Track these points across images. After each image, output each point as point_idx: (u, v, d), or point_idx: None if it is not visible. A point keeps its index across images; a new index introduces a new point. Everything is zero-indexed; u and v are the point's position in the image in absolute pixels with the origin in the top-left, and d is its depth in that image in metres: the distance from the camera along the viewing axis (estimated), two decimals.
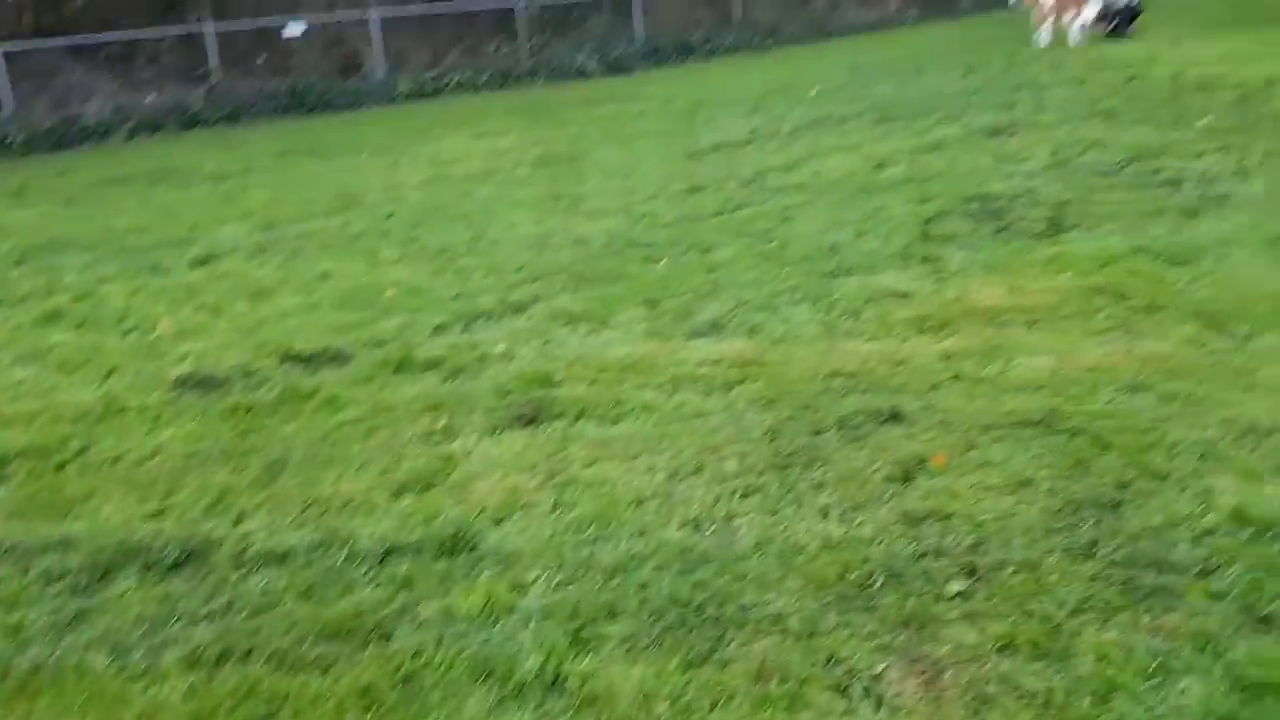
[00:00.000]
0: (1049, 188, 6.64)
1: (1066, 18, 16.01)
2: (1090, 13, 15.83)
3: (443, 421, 3.84)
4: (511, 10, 21.86)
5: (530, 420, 3.79)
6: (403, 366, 4.48)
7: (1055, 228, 5.69)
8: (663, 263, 5.95)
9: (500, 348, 4.64)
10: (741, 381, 3.96)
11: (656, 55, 22.87)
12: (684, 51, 23.31)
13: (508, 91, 19.85)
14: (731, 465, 3.26)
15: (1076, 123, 8.87)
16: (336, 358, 4.70)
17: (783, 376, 3.96)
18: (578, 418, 3.79)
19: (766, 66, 19.51)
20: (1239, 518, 2.62)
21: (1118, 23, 16.02)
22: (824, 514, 2.92)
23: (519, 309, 5.27)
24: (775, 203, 7.26)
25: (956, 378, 3.74)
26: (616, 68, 21.95)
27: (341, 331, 5.10)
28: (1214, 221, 5.43)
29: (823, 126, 10.60)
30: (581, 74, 21.40)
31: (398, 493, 3.33)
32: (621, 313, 5.06)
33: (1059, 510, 2.80)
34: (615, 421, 3.73)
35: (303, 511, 3.28)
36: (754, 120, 11.78)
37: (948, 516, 2.82)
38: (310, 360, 4.70)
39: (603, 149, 10.99)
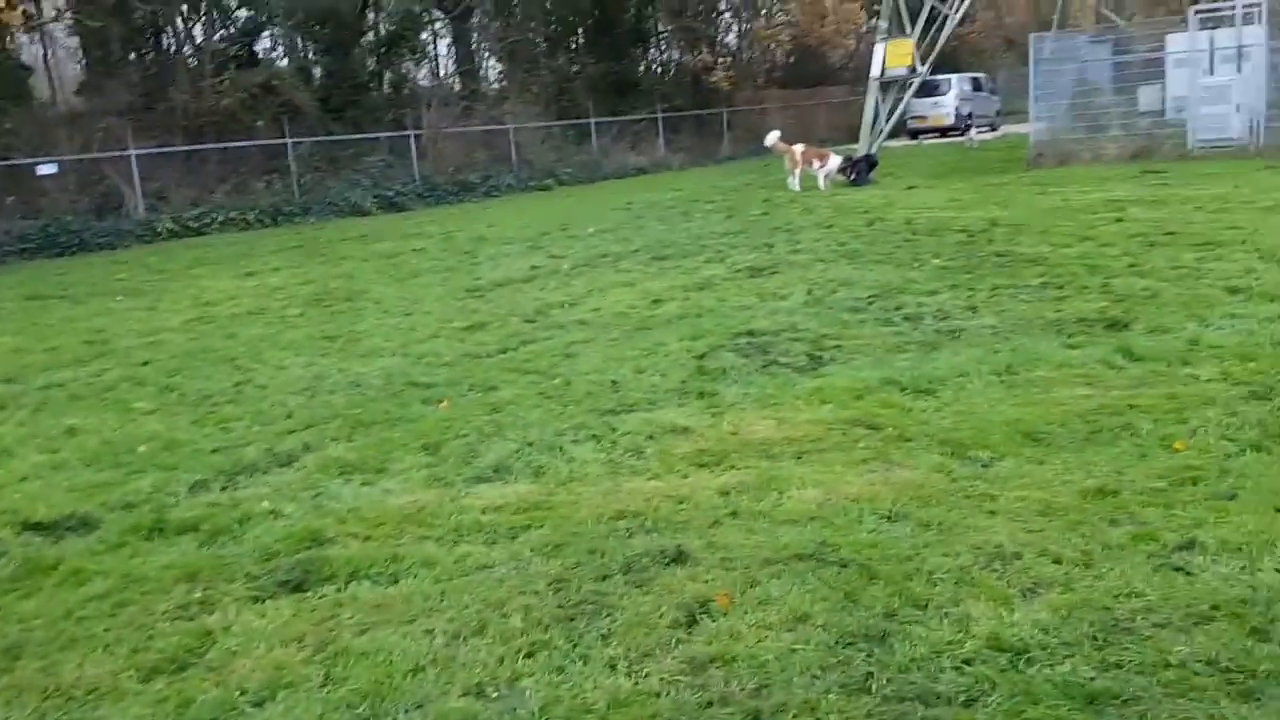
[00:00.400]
0: (808, 324, 7.09)
1: (814, 166, 17.58)
2: (834, 163, 17.53)
3: (199, 592, 3.55)
4: (284, 146, 21.54)
5: (298, 585, 3.56)
6: (155, 531, 4.14)
7: (816, 361, 6.06)
8: (444, 404, 5.87)
9: (265, 505, 4.38)
10: (527, 527, 3.91)
11: (434, 193, 23.10)
12: (462, 190, 23.67)
13: (279, 229, 19.40)
14: (517, 621, 3.17)
15: (827, 263, 9.60)
16: (82, 524, 4.29)
17: (569, 519, 3.94)
18: (351, 579, 3.60)
19: (545, 206, 20.12)
20: (995, 643, 2.79)
21: (858, 172, 17.71)
22: (612, 667, 2.88)
23: (287, 460, 5.02)
24: (558, 339, 7.37)
25: (735, 514, 3.84)
26: (394, 205, 21.97)
27: (88, 494, 4.67)
28: (951, 354, 5.94)
29: (601, 264, 10.94)
30: (358, 211, 21.25)
31: (149, 676, 3.02)
32: (400, 459, 4.91)
33: (834, 645, 2.88)
34: (393, 581, 3.56)
35: (43, 701, 2.92)
36: (534, 257, 12.03)
37: (731, 660, 2.84)
38: (52, 528, 4.27)
39: (380, 286, 10.86)
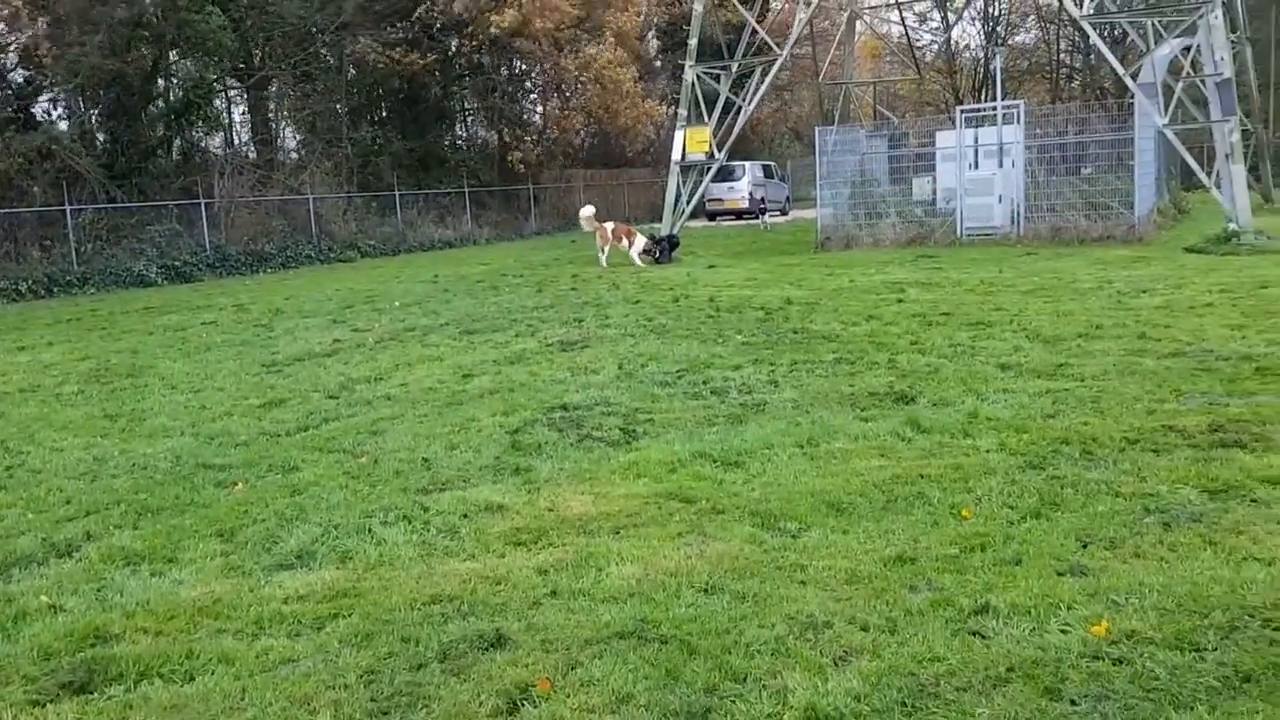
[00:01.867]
0: (620, 397, 7.18)
1: (624, 244, 18.10)
2: (640, 243, 18.13)
3: None
4: (62, 213, 20.12)
5: (82, 687, 3.24)
6: None
7: (629, 435, 6.13)
8: (239, 487, 5.55)
9: (43, 599, 3.98)
10: (334, 617, 3.72)
11: (227, 264, 22.14)
12: (258, 261, 22.80)
13: (56, 300, 18.02)
14: (325, 718, 2.99)
15: (637, 338, 9.80)
16: None
17: (380, 606, 3.78)
18: (141, 678, 3.31)
19: (347, 278, 19.61)
20: (812, 714, 2.86)
21: (661, 250, 18.33)
22: None
23: (67, 550, 4.61)
24: (364, 416, 7.14)
25: (554, 593, 3.80)
26: (182, 276, 20.90)
27: None
28: (757, 427, 6.16)
29: (408, 338, 10.74)
30: (142, 282, 20.05)
31: None
32: (192, 548, 4.59)
33: None
34: (188, 679, 3.30)
35: None
36: (337, 331, 11.67)
37: None
38: None
39: (167, 362, 10.23)
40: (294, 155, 31.01)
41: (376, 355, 9.76)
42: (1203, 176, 16.44)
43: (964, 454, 5.36)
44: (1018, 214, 18.67)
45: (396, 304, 14.06)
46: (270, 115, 31.50)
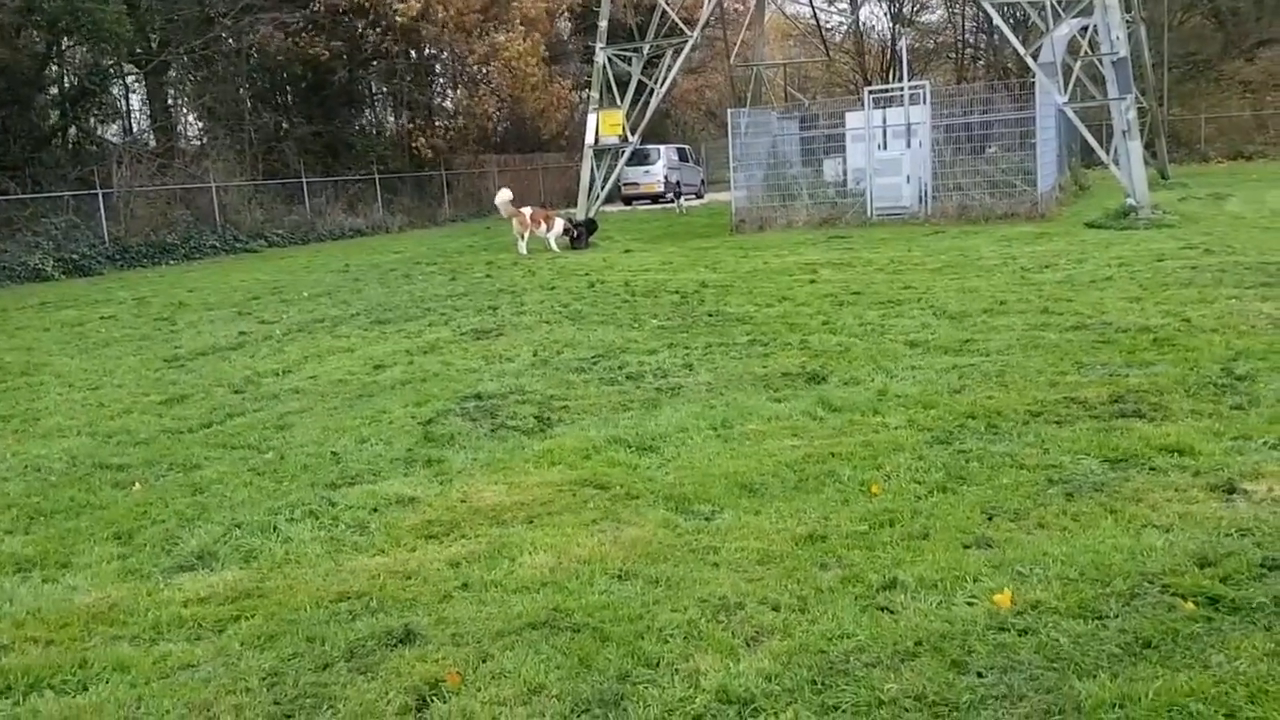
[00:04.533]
0: (535, 385, 7.12)
1: (542, 229, 17.93)
2: (559, 227, 17.98)
3: None
4: None
5: None
6: None
7: (544, 424, 6.07)
8: (137, 487, 5.35)
9: None
10: (237, 619, 3.60)
11: (127, 256, 21.37)
12: (160, 252, 22.06)
13: None
14: None
15: (552, 324, 9.73)
16: None
17: (285, 606, 3.67)
18: (31, 690, 3.17)
19: (253, 268, 19.09)
20: (723, 696, 2.86)
21: (578, 235, 18.22)
22: None
23: None
24: (270, 410, 6.95)
25: (466, 585, 3.73)
26: (80, 269, 20.09)
27: None
28: (671, 411, 6.15)
29: (317, 329, 10.49)
30: (37, 276, 19.22)
31: None
32: (87, 552, 4.41)
33: (569, 714, 2.85)
34: (81, 689, 3.16)
35: None
36: (242, 323, 11.35)
37: None
38: None
39: (63, 359, 9.83)
40: (196, 143, 30.02)
41: (284, 348, 9.51)
42: (1101, 153, 16.96)
43: (873, 431, 5.43)
44: (925, 193, 19.03)
45: (305, 295, 13.73)
46: (170, 102, 30.42)
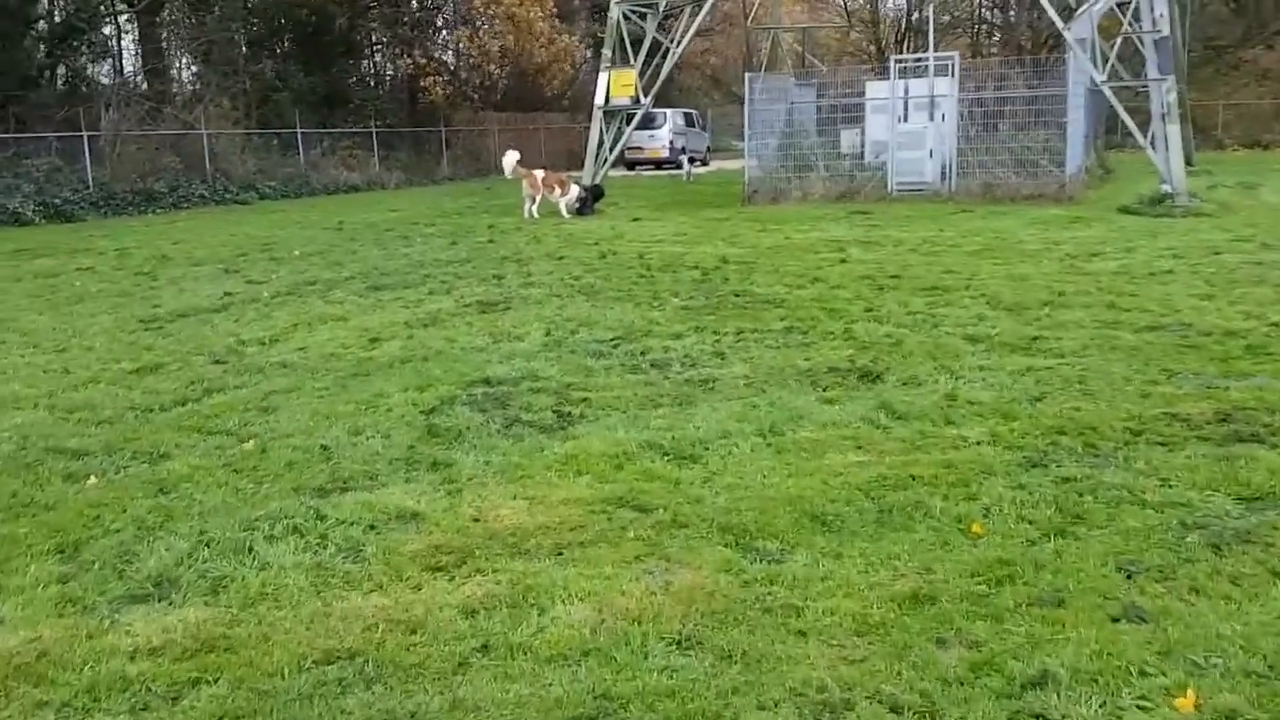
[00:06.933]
0: (549, 370, 6.35)
1: (555, 194, 17.00)
2: (574, 193, 17.03)
3: None
4: None
5: None
6: None
7: (564, 419, 5.30)
8: (92, 481, 4.58)
9: None
10: (195, 684, 2.84)
11: (112, 202, 20.43)
12: (147, 200, 21.12)
13: None
14: None
15: (564, 299, 8.92)
16: None
17: (258, 669, 2.90)
18: None
19: (244, 221, 18.17)
20: None
21: (585, 201, 17.31)
22: None
23: None
24: (253, 388, 6.17)
25: (485, 648, 2.97)
26: (62, 215, 19.17)
27: None
28: (709, 409, 5.39)
29: (309, 293, 9.68)
30: (17, 220, 18.31)
31: None
32: (21, 569, 3.64)
33: None
34: None
35: None
36: (228, 282, 10.54)
37: None
38: None
39: (31, 315, 9.04)
40: (188, 88, 28.89)
41: (272, 312, 8.70)
42: (1139, 137, 16.10)
43: (952, 446, 4.67)
44: (949, 169, 18.18)
45: (297, 253, 12.87)
46: (163, 44, 29.24)
